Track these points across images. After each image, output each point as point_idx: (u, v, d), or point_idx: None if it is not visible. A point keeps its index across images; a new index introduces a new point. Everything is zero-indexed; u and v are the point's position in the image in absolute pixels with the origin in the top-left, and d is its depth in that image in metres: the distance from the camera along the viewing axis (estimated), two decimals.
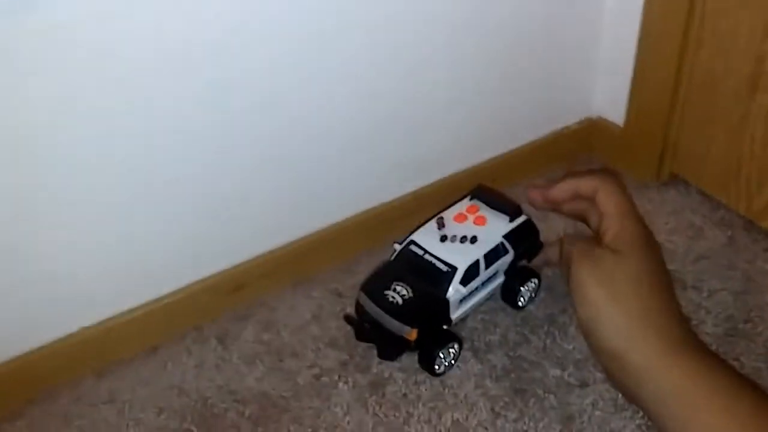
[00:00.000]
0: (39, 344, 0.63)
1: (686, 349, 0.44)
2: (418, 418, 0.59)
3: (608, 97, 0.83)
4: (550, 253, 0.57)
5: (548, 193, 0.53)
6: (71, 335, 0.64)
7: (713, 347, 0.62)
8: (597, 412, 0.58)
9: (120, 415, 0.62)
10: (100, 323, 0.65)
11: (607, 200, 0.51)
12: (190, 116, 0.59)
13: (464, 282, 0.61)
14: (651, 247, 0.50)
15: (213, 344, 0.68)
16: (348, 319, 0.64)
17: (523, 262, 0.67)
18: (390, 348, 0.63)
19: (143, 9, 0.52)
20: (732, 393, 0.42)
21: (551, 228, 0.70)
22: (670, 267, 0.69)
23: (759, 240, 0.72)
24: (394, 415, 0.59)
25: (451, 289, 0.60)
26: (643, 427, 0.56)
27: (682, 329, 0.46)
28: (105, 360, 0.67)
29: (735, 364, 0.60)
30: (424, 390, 0.61)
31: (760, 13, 0.64)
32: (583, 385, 0.60)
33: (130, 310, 0.66)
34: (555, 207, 0.54)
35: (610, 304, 0.46)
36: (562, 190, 0.53)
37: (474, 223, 0.64)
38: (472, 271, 0.61)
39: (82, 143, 0.56)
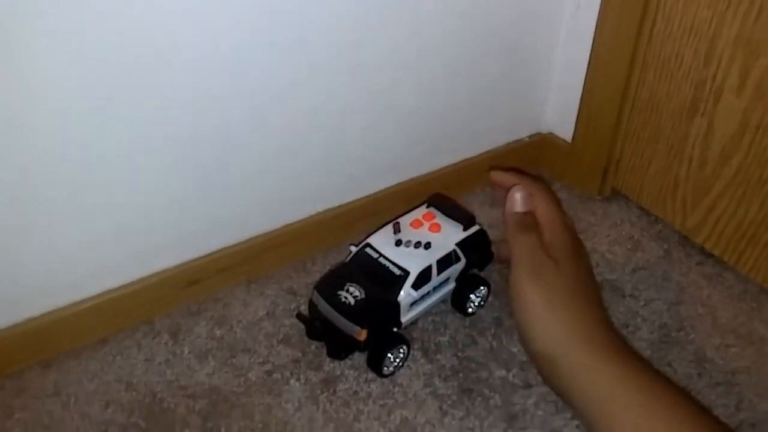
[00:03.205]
0: None
1: (613, 353, 0.48)
2: (368, 415, 0.60)
3: (558, 114, 0.87)
4: (501, 250, 0.60)
5: (491, 174, 0.61)
6: (16, 325, 0.63)
7: (647, 353, 0.65)
8: (539, 412, 0.60)
9: (65, 408, 0.61)
10: (48, 314, 0.64)
11: (542, 208, 0.55)
12: (149, 112, 0.59)
13: (416, 286, 0.62)
14: (582, 257, 0.54)
15: (164, 338, 0.67)
16: (300, 316, 0.65)
17: (474, 271, 0.69)
18: (339, 347, 0.64)
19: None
20: (654, 393, 0.45)
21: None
22: (610, 276, 0.73)
23: (692, 254, 0.77)
24: (345, 412, 0.60)
25: (402, 292, 0.62)
26: (581, 428, 0.58)
27: (610, 335, 0.49)
28: (51, 351, 0.65)
29: (667, 369, 0.64)
30: (374, 388, 0.62)
31: (703, 41, 0.68)
32: (527, 386, 0.62)
33: (80, 302, 0.65)
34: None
35: (547, 312, 0.49)
36: (503, 179, 0.60)
37: (429, 229, 0.66)
38: (424, 276, 0.63)
39: (43, 134, 0.55)
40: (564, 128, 0.87)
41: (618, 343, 0.49)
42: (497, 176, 0.61)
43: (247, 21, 0.59)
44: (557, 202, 0.57)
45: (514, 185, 0.57)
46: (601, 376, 0.47)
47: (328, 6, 0.62)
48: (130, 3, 0.53)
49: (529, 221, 0.55)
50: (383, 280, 0.62)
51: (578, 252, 0.54)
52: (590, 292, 0.52)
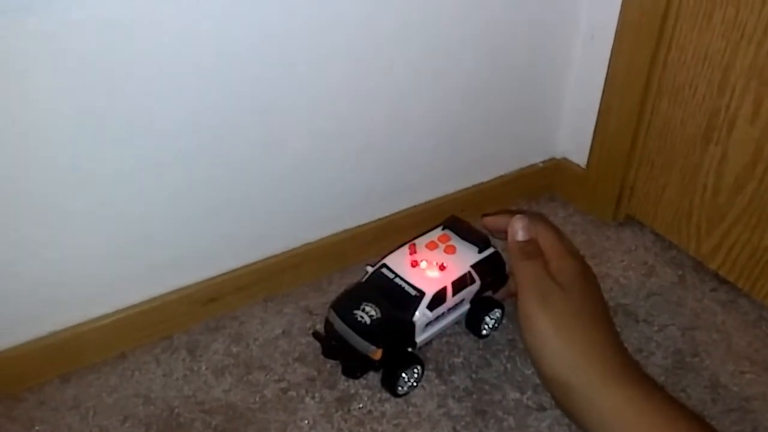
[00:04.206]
0: (5, 347, 0.63)
1: (625, 376, 0.48)
2: None
3: (573, 139, 0.88)
4: (511, 284, 0.61)
5: (484, 220, 0.62)
6: (37, 339, 0.64)
7: (661, 378, 0.65)
8: None
9: (83, 422, 0.62)
10: (70, 328, 0.65)
11: (544, 235, 0.56)
12: (171, 128, 0.60)
13: (431, 307, 0.63)
14: (590, 281, 0.54)
15: (182, 354, 0.68)
16: (316, 335, 0.66)
17: (489, 293, 0.70)
18: (355, 366, 0.64)
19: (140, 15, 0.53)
20: (669, 417, 0.45)
21: None
22: (624, 301, 0.74)
23: (707, 280, 0.77)
24: (359, 431, 0.61)
25: (417, 312, 0.62)
26: None
27: (622, 359, 0.49)
28: (71, 365, 0.66)
29: (681, 395, 0.63)
30: (388, 407, 0.63)
31: (717, 70, 0.68)
32: (541, 408, 0.62)
33: (101, 317, 0.66)
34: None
35: (556, 335, 0.50)
36: (497, 221, 0.60)
37: (444, 251, 0.67)
38: (439, 297, 0.63)
39: (65, 148, 0.56)
40: (578, 154, 0.87)
41: (630, 367, 0.49)
42: (491, 221, 0.62)
43: (265, 44, 0.60)
44: (559, 230, 0.58)
45: (514, 217, 0.58)
46: (614, 399, 0.47)
47: (344, 31, 0.63)
48: (156, 25, 0.54)
49: (532, 249, 0.56)
50: (399, 301, 0.63)
51: (585, 276, 0.54)
52: (599, 315, 0.52)
